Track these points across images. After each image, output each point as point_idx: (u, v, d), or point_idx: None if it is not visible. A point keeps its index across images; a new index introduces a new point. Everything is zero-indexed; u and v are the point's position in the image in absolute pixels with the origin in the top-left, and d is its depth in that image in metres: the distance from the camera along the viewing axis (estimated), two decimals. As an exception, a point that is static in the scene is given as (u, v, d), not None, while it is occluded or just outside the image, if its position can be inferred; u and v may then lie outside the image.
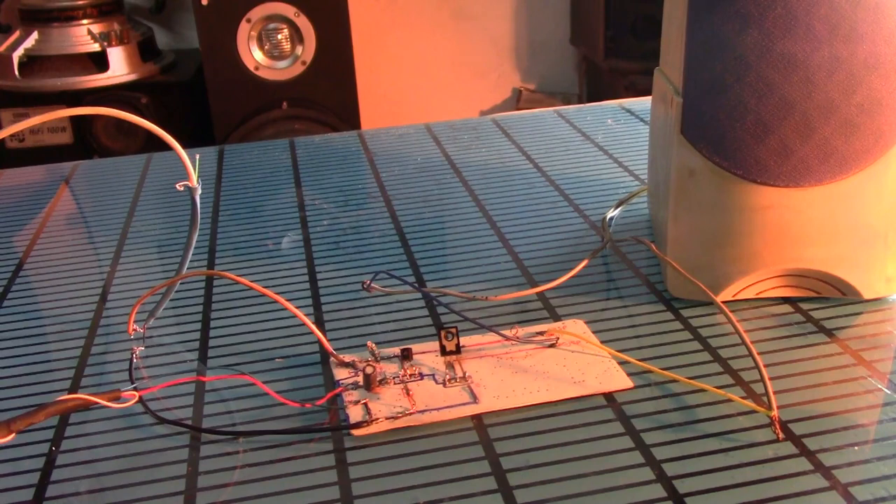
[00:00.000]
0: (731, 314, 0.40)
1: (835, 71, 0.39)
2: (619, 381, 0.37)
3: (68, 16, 1.94)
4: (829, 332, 0.40)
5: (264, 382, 0.37)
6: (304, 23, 1.91)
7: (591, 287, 0.46)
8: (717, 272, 0.42)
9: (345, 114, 1.96)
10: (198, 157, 0.56)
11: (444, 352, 0.38)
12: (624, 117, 0.73)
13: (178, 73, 2.04)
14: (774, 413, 0.34)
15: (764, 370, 0.36)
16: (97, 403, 0.36)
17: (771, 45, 0.39)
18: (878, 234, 0.41)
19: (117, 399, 0.37)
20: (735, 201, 0.41)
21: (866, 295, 0.42)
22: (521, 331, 0.41)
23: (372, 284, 0.45)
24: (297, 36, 1.93)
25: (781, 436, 0.34)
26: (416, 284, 0.47)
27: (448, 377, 0.38)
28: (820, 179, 0.40)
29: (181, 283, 0.48)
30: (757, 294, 0.43)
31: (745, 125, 0.40)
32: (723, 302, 0.42)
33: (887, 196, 0.41)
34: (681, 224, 0.43)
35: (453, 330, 0.38)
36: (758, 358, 0.37)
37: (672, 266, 0.44)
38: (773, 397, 0.35)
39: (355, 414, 0.36)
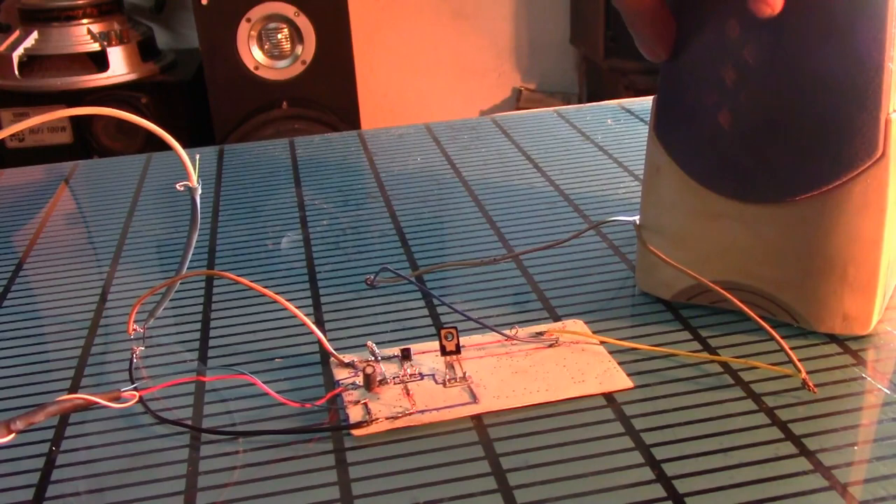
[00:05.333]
0: (732, 297, 0.40)
1: (783, 86, 0.38)
2: (619, 381, 0.37)
3: (68, 15, 1.94)
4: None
5: (264, 382, 0.38)
6: (304, 22, 1.91)
7: (591, 287, 0.46)
8: (671, 272, 0.42)
9: (345, 114, 1.96)
10: (198, 157, 0.56)
11: (444, 352, 0.38)
12: (624, 117, 0.73)
13: (178, 72, 2.04)
14: (804, 374, 0.36)
15: (780, 340, 0.38)
16: (97, 403, 0.36)
17: (724, 53, 0.38)
18: (834, 265, 0.39)
19: (117, 399, 0.37)
20: (691, 204, 0.41)
21: (818, 328, 0.40)
22: (521, 331, 0.41)
23: (376, 278, 0.46)
24: (297, 36, 1.93)
25: (816, 390, 0.36)
26: (415, 279, 0.47)
27: (448, 377, 0.38)
28: (767, 197, 0.39)
29: (181, 283, 0.48)
30: (711, 303, 0.42)
31: (700, 130, 0.40)
32: (680, 306, 0.42)
33: (845, 227, 0.38)
34: (648, 219, 0.43)
35: (453, 330, 0.38)
36: (771, 331, 0.38)
37: (641, 258, 0.44)
38: (797, 360, 0.37)
39: (355, 414, 0.36)
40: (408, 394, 0.37)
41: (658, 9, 0.38)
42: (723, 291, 0.40)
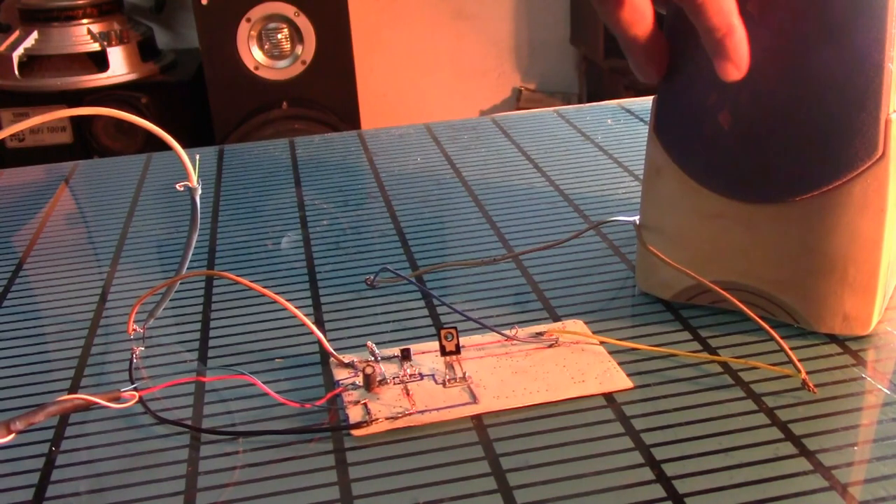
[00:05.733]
0: (731, 297, 0.40)
1: (783, 87, 0.37)
2: (619, 381, 0.37)
3: (68, 15, 1.94)
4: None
5: (264, 382, 0.38)
6: (304, 22, 1.91)
7: (591, 287, 0.46)
8: (671, 272, 0.42)
9: (345, 114, 1.96)
10: (198, 157, 0.56)
11: (443, 352, 0.38)
12: (624, 117, 0.73)
13: (178, 72, 2.04)
14: (803, 374, 0.36)
15: (780, 340, 0.38)
16: (97, 403, 0.36)
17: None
18: (834, 265, 0.39)
19: (117, 399, 0.37)
20: (691, 205, 0.41)
21: (819, 328, 0.40)
22: (521, 331, 0.41)
23: (376, 279, 0.47)
24: (297, 35, 1.93)
25: (816, 391, 0.36)
26: (415, 279, 0.47)
27: (448, 377, 0.38)
28: (767, 197, 0.39)
29: (181, 283, 0.48)
30: (710, 303, 0.42)
31: (700, 130, 0.40)
32: (680, 307, 0.42)
33: (845, 227, 0.38)
34: (648, 219, 0.43)
35: (453, 330, 0.38)
36: (771, 331, 0.38)
37: (640, 258, 0.44)
38: (796, 361, 0.37)
39: (355, 414, 0.36)
40: (408, 394, 0.37)
41: (653, 34, 0.38)
42: (723, 292, 0.40)
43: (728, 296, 0.40)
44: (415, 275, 0.48)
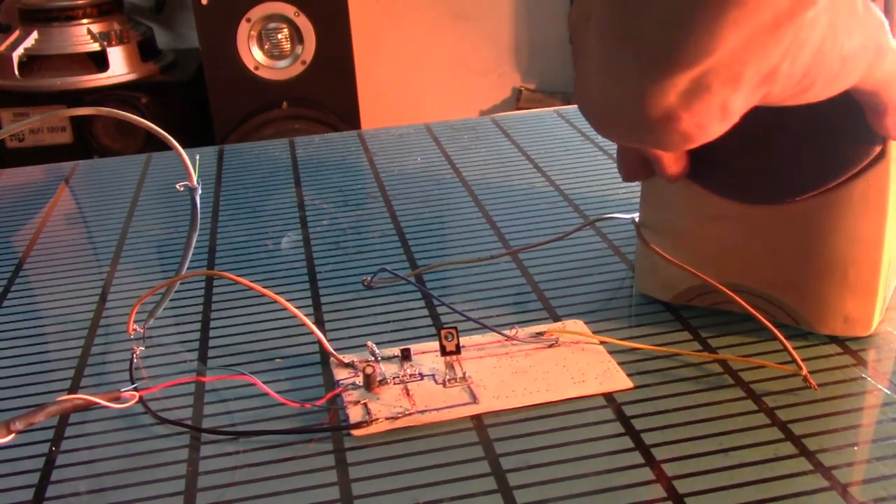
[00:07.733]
0: (739, 299, 0.40)
1: None
2: (619, 381, 0.37)
3: (68, 15, 1.94)
4: (829, 333, 0.40)
5: (264, 382, 0.38)
6: (304, 22, 1.91)
7: (591, 287, 0.46)
8: (671, 273, 0.42)
9: (345, 114, 1.96)
10: (198, 157, 0.56)
11: (444, 352, 0.38)
12: (624, 117, 0.73)
13: (178, 72, 2.04)
14: (805, 372, 0.36)
15: (783, 339, 0.38)
16: (97, 403, 0.36)
17: None
18: (835, 267, 0.39)
19: (117, 399, 0.37)
20: (691, 206, 0.41)
21: (820, 330, 0.40)
22: (521, 331, 0.41)
23: (373, 280, 0.47)
24: (297, 36, 1.93)
25: (817, 388, 0.36)
26: (413, 279, 0.47)
27: (448, 377, 0.38)
28: (767, 199, 0.39)
29: (181, 283, 0.48)
30: (710, 304, 0.42)
31: None
32: (680, 308, 0.42)
33: (845, 228, 0.38)
34: (647, 220, 0.43)
35: (453, 330, 0.38)
36: (774, 329, 0.38)
37: (640, 260, 0.44)
38: (798, 359, 0.37)
39: (355, 414, 0.36)
40: (408, 394, 0.37)
41: (644, 169, 0.41)
42: (729, 292, 0.40)
43: (735, 297, 0.40)
44: (412, 274, 0.48)
